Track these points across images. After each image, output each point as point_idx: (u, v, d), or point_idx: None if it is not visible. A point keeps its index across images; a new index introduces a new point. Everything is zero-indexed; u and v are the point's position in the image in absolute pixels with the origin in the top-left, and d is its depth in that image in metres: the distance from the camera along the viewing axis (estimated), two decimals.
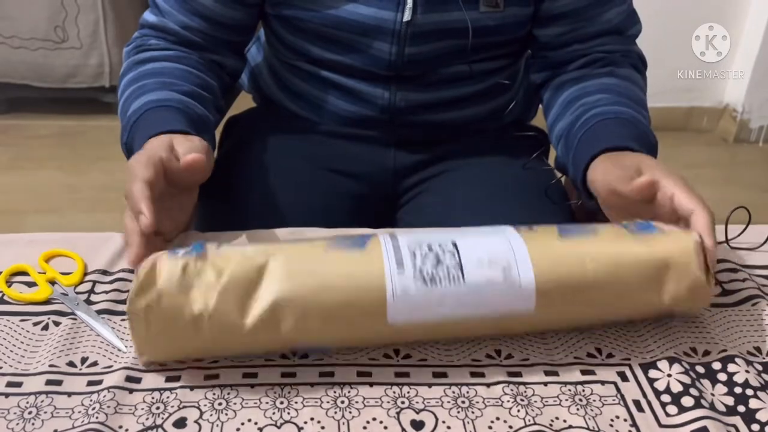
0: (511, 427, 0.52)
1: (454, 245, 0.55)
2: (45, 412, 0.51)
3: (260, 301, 0.52)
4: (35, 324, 0.60)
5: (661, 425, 0.52)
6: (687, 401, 0.54)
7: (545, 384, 0.56)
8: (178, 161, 0.63)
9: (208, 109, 0.76)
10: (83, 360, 0.56)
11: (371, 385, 0.55)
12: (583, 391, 0.55)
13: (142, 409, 0.52)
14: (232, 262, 0.53)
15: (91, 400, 0.52)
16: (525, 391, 0.55)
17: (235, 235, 0.69)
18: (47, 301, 0.62)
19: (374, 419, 0.52)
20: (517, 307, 0.55)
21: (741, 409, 0.54)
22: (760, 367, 0.58)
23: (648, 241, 0.57)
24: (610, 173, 0.67)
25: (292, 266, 0.53)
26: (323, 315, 0.53)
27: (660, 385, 0.56)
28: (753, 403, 0.54)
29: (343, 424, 0.51)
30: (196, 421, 0.51)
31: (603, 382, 0.56)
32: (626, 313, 0.60)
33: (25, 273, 0.65)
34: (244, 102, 1.02)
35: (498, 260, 0.54)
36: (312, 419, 0.52)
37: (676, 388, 0.55)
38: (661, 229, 0.59)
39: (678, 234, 0.58)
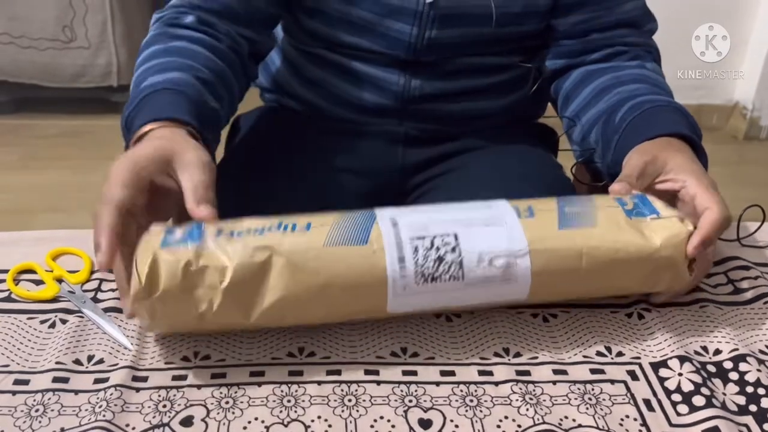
0: (519, 426, 0.51)
1: (456, 238, 0.55)
2: (52, 410, 0.51)
3: (263, 300, 0.53)
4: (42, 322, 0.60)
5: (671, 425, 0.52)
6: (698, 400, 0.53)
7: (554, 383, 0.55)
8: (171, 178, 0.60)
9: (222, 104, 0.74)
10: (90, 358, 0.56)
11: (378, 383, 0.55)
12: (593, 390, 0.55)
13: (149, 407, 0.52)
14: (234, 260, 0.52)
15: (97, 398, 0.52)
16: (534, 390, 0.54)
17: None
18: (54, 299, 0.62)
19: (382, 418, 0.52)
20: (511, 297, 0.58)
21: (753, 408, 0.53)
22: None
23: (643, 231, 0.58)
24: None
25: (294, 264, 0.53)
26: (325, 310, 0.56)
27: (671, 384, 0.55)
28: (765, 403, 0.53)
29: (351, 422, 0.51)
30: (203, 420, 0.51)
31: (613, 381, 0.56)
32: (610, 294, 0.63)
33: (32, 271, 0.65)
34: (250, 100, 1.01)
35: (497, 258, 0.55)
36: (319, 417, 0.51)
37: (687, 387, 0.55)
38: (659, 211, 0.60)
39: (673, 223, 0.59)
